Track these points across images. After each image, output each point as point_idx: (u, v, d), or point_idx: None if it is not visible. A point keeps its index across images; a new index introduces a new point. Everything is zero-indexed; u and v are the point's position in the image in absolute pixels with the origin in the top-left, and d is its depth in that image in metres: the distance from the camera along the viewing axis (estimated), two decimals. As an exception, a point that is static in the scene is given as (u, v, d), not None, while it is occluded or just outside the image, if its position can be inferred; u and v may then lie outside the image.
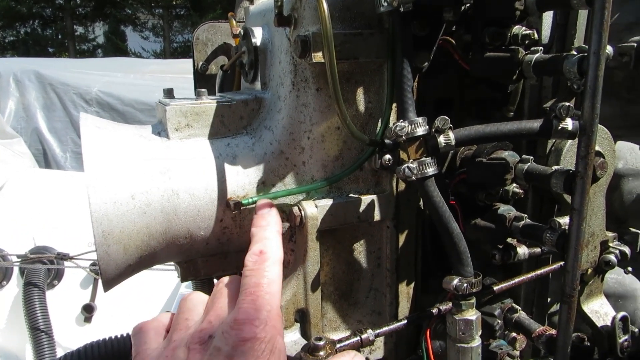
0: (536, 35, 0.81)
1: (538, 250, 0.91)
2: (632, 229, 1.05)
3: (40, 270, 2.13)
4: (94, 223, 0.69)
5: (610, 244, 0.98)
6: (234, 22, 1.03)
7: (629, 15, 0.96)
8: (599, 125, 0.71)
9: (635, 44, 0.94)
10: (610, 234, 0.98)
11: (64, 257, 2.24)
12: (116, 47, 15.67)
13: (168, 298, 2.43)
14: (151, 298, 2.36)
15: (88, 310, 2.40)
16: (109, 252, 0.71)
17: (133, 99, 4.83)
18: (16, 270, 2.22)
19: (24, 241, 2.33)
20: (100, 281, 2.39)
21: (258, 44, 0.87)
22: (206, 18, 15.10)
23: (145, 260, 0.78)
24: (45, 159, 4.78)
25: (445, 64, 0.86)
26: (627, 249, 0.99)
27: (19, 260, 2.20)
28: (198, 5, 15.92)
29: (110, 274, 0.74)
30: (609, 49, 0.91)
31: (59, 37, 16.60)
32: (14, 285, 2.28)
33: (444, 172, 0.93)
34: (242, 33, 0.90)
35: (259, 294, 0.63)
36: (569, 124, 0.71)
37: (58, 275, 2.32)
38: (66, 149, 4.80)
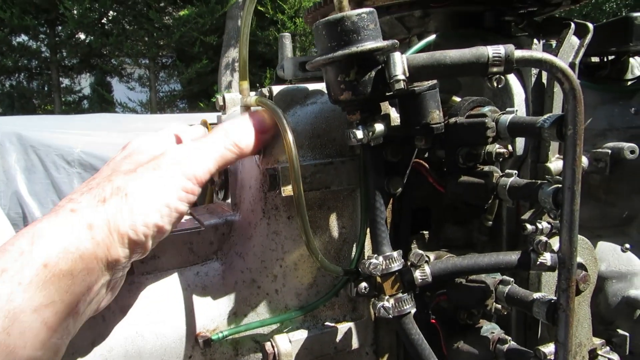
0: (511, 150, 0.81)
1: (524, 368, 0.87)
2: (620, 331, 1.02)
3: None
4: (49, 380, 0.64)
5: (599, 352, 0.95)
6: (209, 128, 1.01)
7: (601, 121, 0.96)
8: (578, 236, 0.69)
9: (609, 150, 0.93)
10: (597, 341, 0.95)
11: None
12: (102, 98, 15.75)
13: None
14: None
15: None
16: (65, 409, 0.66)
17: (116, 158, 4.79)
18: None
19: None
20: None
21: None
22: (192, 68, 15.31)
23: (107, 406, 0.72)
24: (25, 223, 4.68)
25: (420, 180, 0.84)
26: (616, 357, 0.95)
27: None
28: (184, 56, 16.16)
29: None
30: (584, 160, 0.90)
31: (45, 89, 16.67)
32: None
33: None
34: (212, 152, 0.87)
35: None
36: (547, 259, 0.69)
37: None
38: (46, 211, 4.71)
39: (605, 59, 1.13)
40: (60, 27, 15.85)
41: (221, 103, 0.98)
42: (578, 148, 0.64)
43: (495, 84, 0.64)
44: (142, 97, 17.08)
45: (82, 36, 16.26)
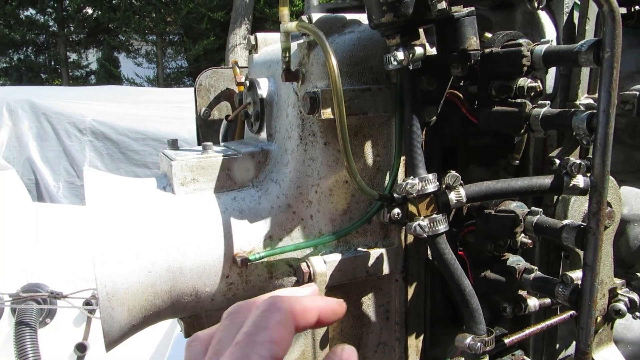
0: (541, 87, 0.82)
1: (548, 300, 0.89)
2: (639, 274, 1.04)
3: (33, 309, 2.08)
4: (99, 285, 0.67)
5: (619, 291, 0.97)
6: (238, 69, 1.03)
7: (630, 63, 0.97)
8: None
9: (637, 92, 0.94)
10: (618, 281, 0.97)
11: (57, 295, 2.20)
12: (109, 73, 15.72)
13: (163, 336, 2.38)
14: (146, 336, 2.30)
15: (81, 350, 2.34)
16: (113, 315, 0.69)
17: (127, 128, 4.82)
18: (7, 308, 2.17)
19: (15, 278, 2.28)
20: (93, 320, 2.33)
21: (264, 95, 0.86)
22: (199, 45, 15.22)
23: (149, 319, 0.76)
24: (37, 189, 4.73)
25: (452, 113, 0.86)
26: (636, 297, 0.97)
27: (11, 299, 2.15)
28: (191, 32, 16.06)
29: (113, 335, 0.72)
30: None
31: (52, 63, 16.63)
32: (5, 324, 2.22)
33: (451, 221, 0.92)
34: (248, 84, 0.89)
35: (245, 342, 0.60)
36: (580, 181, 0.70)
37: (50, 313, 2.27)
38: (59, 178, 4.77)
39: (632, 9, 1.14)
40: (67, 1, 15.78)
41: (253, 42, 0.99)
42: (615, 70, 0.66)
43: (536, 5, 0.65)
44: (149, 73, 17.02)
45: (89, 10, 16.18)
